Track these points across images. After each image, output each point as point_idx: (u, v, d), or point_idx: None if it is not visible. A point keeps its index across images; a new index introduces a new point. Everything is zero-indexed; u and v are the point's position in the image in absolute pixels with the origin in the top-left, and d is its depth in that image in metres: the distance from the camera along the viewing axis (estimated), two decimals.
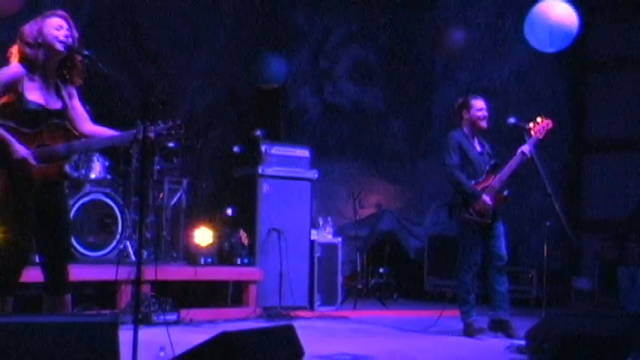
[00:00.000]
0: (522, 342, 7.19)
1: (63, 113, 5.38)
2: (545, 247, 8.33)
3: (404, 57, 13.26)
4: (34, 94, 5.26)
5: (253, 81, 11.87)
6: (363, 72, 13.09)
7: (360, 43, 13.07)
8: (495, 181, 8.23)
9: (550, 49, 10.14)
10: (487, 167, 8.34)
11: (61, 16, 5.40)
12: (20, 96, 5.21)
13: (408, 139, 13.39)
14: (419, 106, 13.39)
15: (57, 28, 5.32)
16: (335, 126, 12.92)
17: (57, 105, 5.37)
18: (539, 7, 9.90)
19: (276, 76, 11.87)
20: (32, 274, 5.69)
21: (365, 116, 13.12)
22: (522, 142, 8.21)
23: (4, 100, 5.22)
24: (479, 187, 8.23)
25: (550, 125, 8.25)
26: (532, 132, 8.21)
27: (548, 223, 8.41)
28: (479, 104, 8.43)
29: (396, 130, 13.33)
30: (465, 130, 8.45)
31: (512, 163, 8.20)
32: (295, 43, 12.63)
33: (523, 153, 8.14)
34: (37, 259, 5.58)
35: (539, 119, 8.25)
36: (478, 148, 8.44)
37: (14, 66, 5.31)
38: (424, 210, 13.26)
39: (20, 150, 5.13)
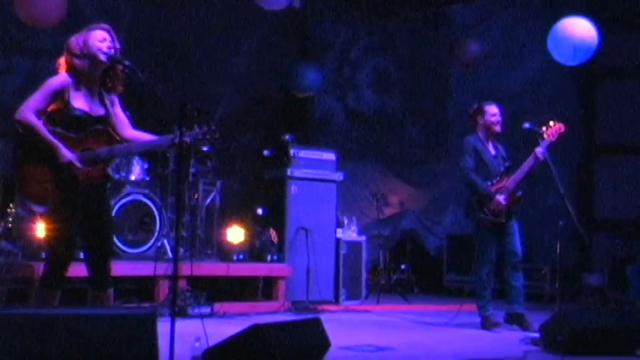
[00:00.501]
0: (537, 334, 7.17)
1: (106, 119, 5.45)
2: (558, 245, 8.30)
3: (421, 67, 13.25)
4: (79, 101, 5.33)
5: (291, 89, 11.87)
6: (383, 81, 13.10)
7: (381, 53, 13.07)
8: (509, 182, 8.21)
9: (573, 63, 10.14)
10: (501, 169, 8.32)
11: (104, 29, 5.46)
12: (67, 104, 5.28)
13: (425, 142, 13.38)
14: (436, 111, 13.38)
15: (101, 40, 5.39)
16: (358, 131, 12.93)
17: (100, 112, 5.43)
18: (562, 25, 9.89)
19: (313, 85, 11.89)
20: (77, 270, 5.75)
21: (385, 122, 13.12)
22: (536, 145, 8.19)
23: (52, 107, 5.29)
24: (493, 188, 8.21)
25: (562, 129, 8.22)
26: (545, 135, 8.18)
27: (561, 223, 8.37)
28: (492, 110, 8.42)
29: (414, 135, 13.33)
30: (480, 134, 8.44)
31: (526, 165, 8.17)
32: (322, 53, 12.65)
33: (536, 156, 8.12)
34: (81, 256, 5.65)
35: (551, 123, 8.22)
36: (492, 152, 8.42)
37: (61, 75, 5.37)
38: (443, 209, 13.24)
39: (67, 154, 5.19)
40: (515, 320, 8.23)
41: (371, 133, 13.04)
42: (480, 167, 8.31)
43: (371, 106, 13.12)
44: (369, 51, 13.06)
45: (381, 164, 13.05)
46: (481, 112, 8.44)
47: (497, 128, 8.41)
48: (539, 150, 8.12)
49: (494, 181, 8.27)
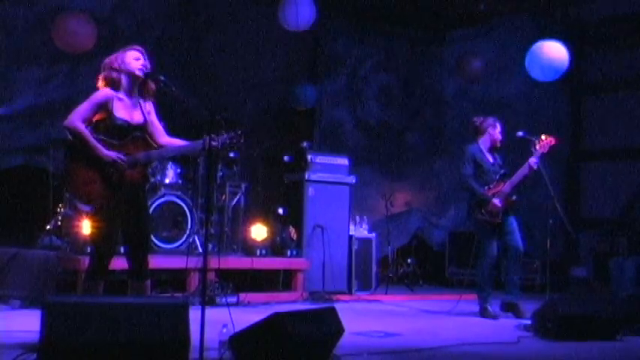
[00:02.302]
0: (529, 321, 7.18)
1: (143, 127, 5.50)
2: (548, 241, 8.30)
3: (419, 82, 13.23)
4: (121, 111, 5.40)
5: (291, 104, 11.91)
6: (386, 96, 13.09)
7: (384, 71, 13.06)
8: (505, 187, 8.21)
9: (549, 79, 10.25)
10: (497, 176, 8.32)
11: (138, 50, 5.55)
12: (110, 114, 5.35)
13: (425, 146, 13.32)
14: (434, 117, 13.33)
15: (136, 59, 5.48)
16: (366, 137, 12.89)
17: (139, 120, 5.49)
18: (541, 47, 9.97)
19: (308, 101, 11.95)
20: (118, 263, 5.78)
21: (388, 130, 13.09)
22: (528, 152, 8.19)
23: (97, 117, 5.36)
24: (490, 192, 8.22)
25: (553, 142, 8.20)
26: (538, 147, 8.17)
27: (550, 221, 8.37)
28: (499, 127, 8.45)
29: (415, 140, 13.29)
30: (481, 144, 8.43)
31: (520, 173, 8.18)
32: (335, 69, 12.64)
33: (530, 166, 8.12)
34: (122, 250, 5.68)
35: (543, 137, 8.20)
36: (491, 160, 8.42)
37: (104, 90, 5.44)
38: (446, 205, 13.15)
39: (110, 153, 5.26)
40: (511, 308, 8.23)
41: (377, 139, 13.01)
42: (479, 174, 8.32)
43: (376, 117, 13.09)
44: (374, 69, 13.05)
45: (387, 167, 13.01)
46: (493, 126, 8.44)
47: (498, 144, 8.45)
48: (532, 160, 8.13)
49: (491, 186, 8.27)
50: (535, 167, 8.12)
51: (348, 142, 12.52)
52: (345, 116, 12.78)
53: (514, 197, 8.29)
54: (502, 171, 8.38)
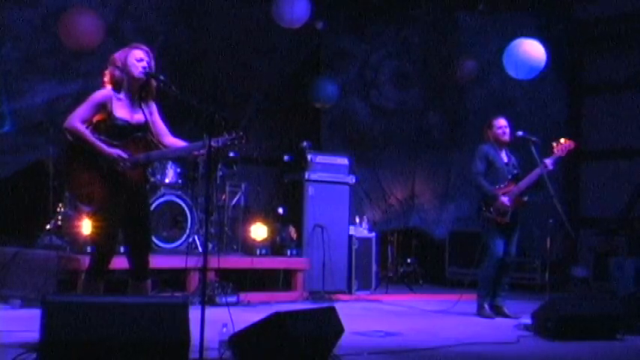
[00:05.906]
0: (529, 321, 7.18)
1: (145, 127, 5.49)
2: (548, 241, 8.30)
3: (436, 66, 13.09)
4: (121, 111, 5.39)
5: (312, 102, 11.87)
6: (402, 78, 12.96)
7: (397, 58, 12.97)
8: (515, 187, 8.16)
9: (524, 77, 10.31)
10: (509, 176, 8.28)
11: (143, 50, 5.51)
12: (110, 114, 5.34)
13: (445, 128, 13.20)
14: (454, 103, 13.18)
15: (138, 59, 5.44)
16: (380, 123, 12.80)
17: (140, 120, 5.48)
18: (519, 44, 10.01)
19: (331, 98, 11.93)
20: (118, 263, 5.78)
21: (407, 112, 12.96)
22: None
23: (97, 118, 5.35)
24: (500, 192, 8.15)
25: (572, 146, 8.16)
26: (555, 150, 8.11)
27: (550, 221, 8.38)
28: (499, 123, 8.37)
29: (435, 121, 13.14)
30: (493, 144, 8.42)
31: (534, 174, 8.10)
32: (341, 63, 12.59)
33: (546, 166, 8.02)
34: (122, 250, 5.69)
35: (562, 140, 8.16)
36: (505, 159, 8.36)
37: (105, 90, 5.44)
38: (452, 197, 13.08)
39: (112, 150, 5.29)
40: (499, 312, 8.26)
41: (393, 123, 12.90)
42: (491, 173, 8.27)
43: (392, 100, 12.97)
44: (385, 57, 12.95)
45: (402, 151, 12.89)
46: (489, 126, 8.44)
47: (505, 138, 8.37)
48: (548, 161, 8.04)
49: (502, 186, 8.23)
50: (551, 167, 8.04)
51: (362, 132, 12.46)
52: (358, 104, 12.71)
53: (525, 198, 8.25)
54: (515, 171, 8.34)
